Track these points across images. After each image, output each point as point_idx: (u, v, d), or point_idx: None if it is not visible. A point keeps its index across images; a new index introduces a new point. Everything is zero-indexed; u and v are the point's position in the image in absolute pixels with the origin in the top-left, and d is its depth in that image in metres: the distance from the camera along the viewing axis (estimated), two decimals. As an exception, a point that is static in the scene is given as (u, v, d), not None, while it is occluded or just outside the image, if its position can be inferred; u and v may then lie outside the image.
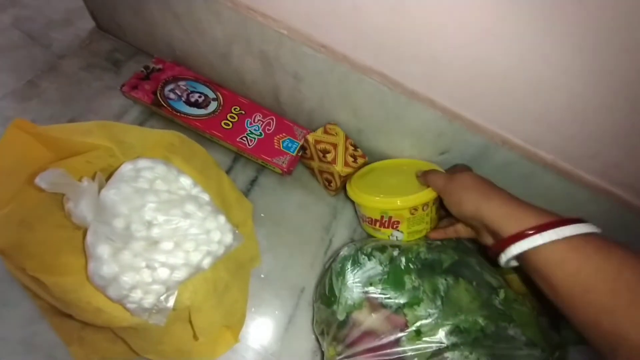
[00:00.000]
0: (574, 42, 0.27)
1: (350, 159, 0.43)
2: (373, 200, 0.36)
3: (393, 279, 0.31)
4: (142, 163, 0.26)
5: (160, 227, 0.24)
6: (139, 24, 0.48)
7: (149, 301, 0.23)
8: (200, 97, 0.45)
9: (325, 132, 0.44)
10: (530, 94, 0.32)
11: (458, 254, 0.36)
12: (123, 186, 0.24)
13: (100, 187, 0.24)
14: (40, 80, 0.45)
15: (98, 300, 0.23)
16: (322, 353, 0.35)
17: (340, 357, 0.31)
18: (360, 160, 0.43)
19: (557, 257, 0.25)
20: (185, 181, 0.27)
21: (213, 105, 0.45)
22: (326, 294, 0.33)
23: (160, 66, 0.47)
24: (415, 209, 0.36)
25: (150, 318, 0.24)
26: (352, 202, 0.46)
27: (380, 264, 0.32)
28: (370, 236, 0.42)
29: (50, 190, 0.21)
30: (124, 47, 0.52)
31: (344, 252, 0.34)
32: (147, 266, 0.24)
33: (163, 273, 0.24)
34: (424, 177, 0.37)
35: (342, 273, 0.32)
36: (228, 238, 0.28)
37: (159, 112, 0.45)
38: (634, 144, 0.32)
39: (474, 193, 0.32)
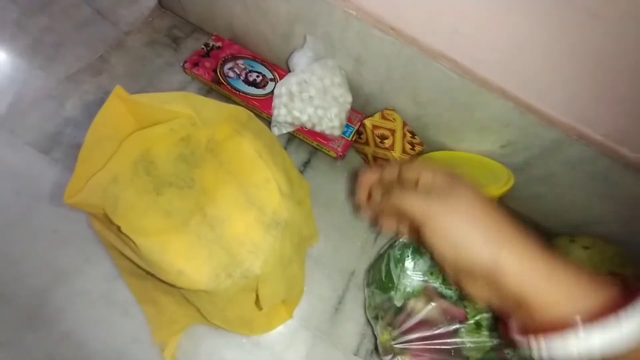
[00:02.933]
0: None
1: (407, 146, 0.42)
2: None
3: (455, 271, 0.31)
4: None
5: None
6: (200, 1, 0.48)
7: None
8: (258, 76, 0.46)
9: (383, 117, 0.43)
10: (624, 84, 0.29)
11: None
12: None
13: None
14: (109, 55, 0.47)
15: (179, 263, 0.25)
16: (374, 337, 0.36)
17: (395, 342, 0.32)
18: (417, 148, 0.42)
19: None
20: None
21: (271, 86, 0.45)
22: (382, 279, 0.34)
23: (219, 44, 0.48)
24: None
25: None
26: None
27: (442, 255, 0.32)
28: (422, 226, 0.41)
29: None
30: (183, 24, 0.53)
31: (404, 239, 0.34)
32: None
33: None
34: (397, 206, 0.23)
35: (401, 260, 0.32)
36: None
37: (217, 89, 0.46)
38: None
39: (486, 230, 0.19)
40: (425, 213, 0.20)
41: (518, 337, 0.19)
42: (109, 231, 0.28)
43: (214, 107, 0.30)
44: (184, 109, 0.27)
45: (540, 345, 0.17)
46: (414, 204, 0.21)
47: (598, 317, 0.15)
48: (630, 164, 0.34)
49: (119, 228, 0.24)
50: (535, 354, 0.18)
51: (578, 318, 0.16)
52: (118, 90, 0.24)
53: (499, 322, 0.20)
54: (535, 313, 0.17)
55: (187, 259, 0.25)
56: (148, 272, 0.27)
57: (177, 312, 0.33)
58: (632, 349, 0.15)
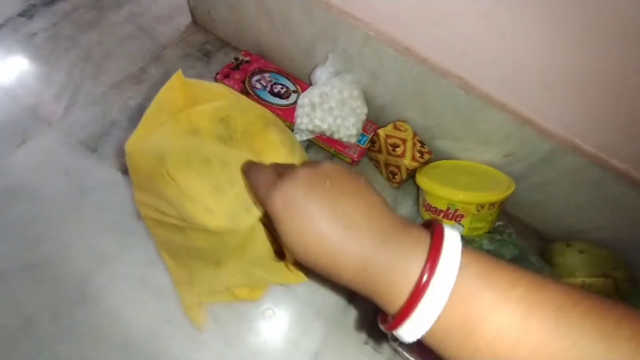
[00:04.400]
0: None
1: (417, 154, 0.46)
2: (445, 190, 0.39)
3: (459, 264, 0.34)
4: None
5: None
6: (231, 19, 0.53)
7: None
8: (282, 88, 0.50)
9: (395, 127, 0.47)
10: (612, 100, 0.33)
11: (518, 250, 0.38)
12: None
13: None
14: (149, 66, 0.52)
15: (208, 204, 0.29)
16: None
17: (404, 328, 0.35)
18: (426, 156, 0.46)
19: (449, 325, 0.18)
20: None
21: (293, 97, 0.50)
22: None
23: (247, 58, 0.53)
24: (482, 206, 0.39)
25: None
26: (413, 194, 0.50)
27: (447, 250, 0.36)
28: (429, 227, 0.45)
29: None
30: (214, 40, 0.58)
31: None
32: None
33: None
34: (246, 172, 0.27)
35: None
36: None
37: (245, 100, 0.51)
38: None
39: (313, 225, 0.20)
40: (268, 204, 0.22)
41: (383, 328, 0.20)
42: (150, 197, 0.32)
43: (248, 102, 0.36)
44: (228, 93, 0.33)
45: (399, 333, 0.19)
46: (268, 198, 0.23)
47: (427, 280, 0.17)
48: (620, 174, 0.38)
49: (167, 171, 0.28)
50: (400, 339, 0.19)
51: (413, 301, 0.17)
52: (179, 73, 0.30)
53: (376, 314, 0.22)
54: (383, 305, 0.20)
55: (216, 202, 0.30)
56: (181, 228, 0.31)
57: (209, 291, 0.37)
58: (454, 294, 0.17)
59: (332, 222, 0.20)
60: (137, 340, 0.36)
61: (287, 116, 0.49)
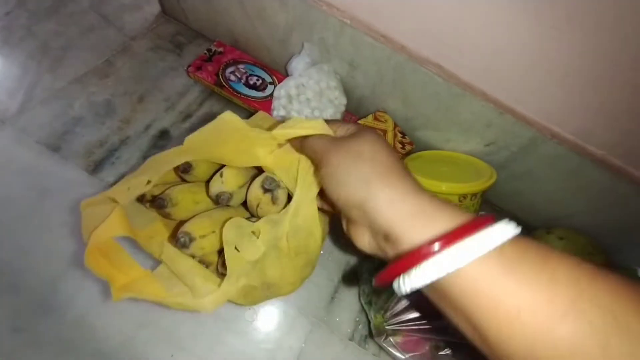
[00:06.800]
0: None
1: (398, 145, 0.45)
2: (427, 182, 0.38)
3: (441, 256, 0.34)
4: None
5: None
6: (203, 9, 0.51)
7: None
8: (258, 80, 0.48)
9: (375, 119, 0.46)
10: (590, 89, 0.33)
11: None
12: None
13: None
14: (115, 59, 0.49)
15: None
16: (368, 323, 0.38)
17: (387, 324, 0.34)
18: (407, 147, 0.45)
19: (483, 283, 0.16)
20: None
21: (270, 89, 0.48)
22: (376, 267, 0.36)
23: (221, 49, 0.50)
24: (465, 197, 0.38)
25: None
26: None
27: (429, 242, 0.35)
28: (412, 219, 0.44)
29: None
30: (186, 30, 0.55)
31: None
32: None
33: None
34: (302, 142, 0.24)
35: (393, 248, 0.35)
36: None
37: (219, 92, 0.49)
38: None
39: (365, 170, 0.20)
40: (324, 151, 0.22)
41: (383, 282, 0.19)
42: None
43: None
44: None
45: (403, 280, 0.17)
46: (318, 143, 0.23)
47: (452, 240, 0.16)
48: (596, 160, 0.38)
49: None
50: (401, 290, 0.17)
51: (433, 244, 0.16)
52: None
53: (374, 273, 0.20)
54: (399, 245, 0.18)
55: None
56: None
57: None
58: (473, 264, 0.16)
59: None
60: (110, 348, 0.34)
61: (263, 109, 0.47)
